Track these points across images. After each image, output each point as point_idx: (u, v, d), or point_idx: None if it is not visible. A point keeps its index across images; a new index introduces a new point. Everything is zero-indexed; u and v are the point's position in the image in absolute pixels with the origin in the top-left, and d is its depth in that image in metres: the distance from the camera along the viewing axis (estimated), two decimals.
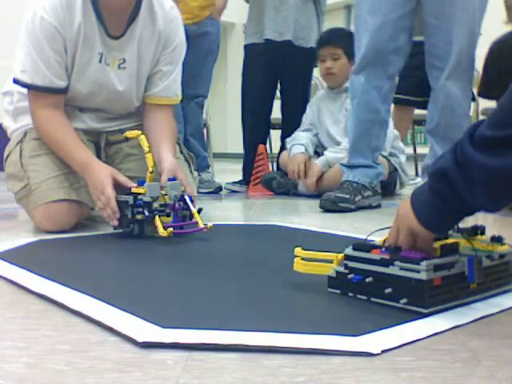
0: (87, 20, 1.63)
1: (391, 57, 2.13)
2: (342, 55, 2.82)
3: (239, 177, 3.22)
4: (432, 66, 2.09)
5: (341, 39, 2.85)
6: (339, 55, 2.82)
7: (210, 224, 1.49)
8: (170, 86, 1.82)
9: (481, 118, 3.83)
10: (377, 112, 2.20)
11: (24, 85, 1.65)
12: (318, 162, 2.71)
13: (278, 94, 3.28)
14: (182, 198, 1.50)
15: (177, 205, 1.48)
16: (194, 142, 3.12)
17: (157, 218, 1.45)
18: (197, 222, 1.49)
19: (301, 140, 2.85)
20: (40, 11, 1.58)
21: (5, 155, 1.77)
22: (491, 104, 2.86)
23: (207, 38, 3.09)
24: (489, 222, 1.94)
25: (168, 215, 1.49)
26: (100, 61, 1.69)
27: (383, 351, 0.69)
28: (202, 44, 3.03)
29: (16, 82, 1.66)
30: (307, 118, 2.97)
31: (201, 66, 3.08)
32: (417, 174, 3.94)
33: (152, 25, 1.72)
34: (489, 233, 0.99)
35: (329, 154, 2.71)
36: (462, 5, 1.98)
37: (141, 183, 1.50)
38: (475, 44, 2.06)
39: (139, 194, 1.48)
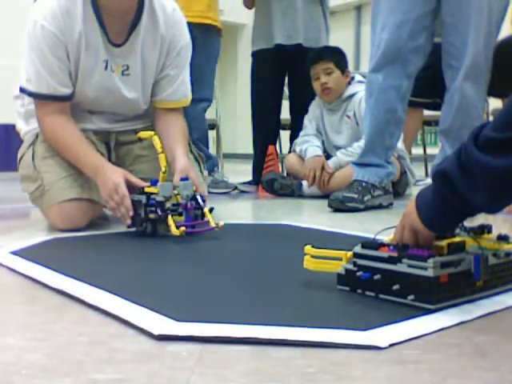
0: (89, 27, 1.64)
1: (411, 55, 2.13)
2: (335, 69, 2.82)
3: (249, 177, 3.24)
4: (448, 65, 2.09)
5: (331, 54, 2.87)
6: (332, 69, 2.82)
7: (221, 223, 1.52)
8: (179, 89, 1.84)
9: (491, 118, 3.84)
10: (394, 111, 2.20)
11: (29, 93, 1.68)
12: (331, 163, 2.73)
13: (286, 92, 3.29)
14: (194, 198, 1.53)
15: (189, 204, 1.51)
16: (200, 147, 3.14)
17: (169, 217, 1.48)
18: (208, 221, 1.52)
19: (315, 142, 2.86)
20: (40, 20, 1.60)
21: (18, 157, 1.81)
22: (501, 105, 2.87)
23: (208, 42, 3.09)
24: (495, 221, 1.95)
25: (180, 214, 1.51)
26: (106, 68, 1.70)
27: (391, 345, 0.71)
28: (204, 49, 3.03)
29: (22, 90, 1.69)
30: (311, 122, 2.96)
31: (205, 69, 3.08)
32: (427, 175, 3.95)
33: (154, 30, 1.73)
34: (495, 232, 1.01)
35: (340, 156, 2.72)
36: (478, 6, 1.99)
37: (154, 183, 1.53)
38: (492, 46, 2.06)
39: (152, 193, 1.51)
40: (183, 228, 1.45)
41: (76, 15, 1.62)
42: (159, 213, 1.48)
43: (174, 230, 1.45)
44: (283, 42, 3.02)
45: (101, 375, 0.63)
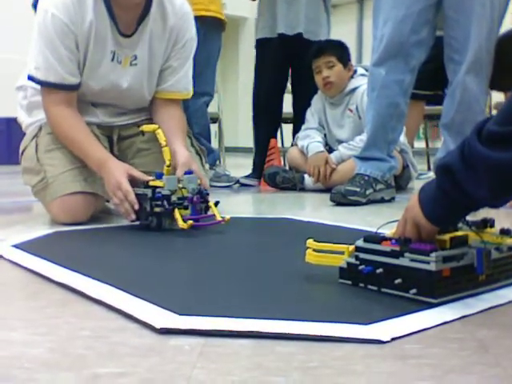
0: (99, 18, 1.65)
1: (413, 49, 2.12)
2: (337, 62, 2.82)
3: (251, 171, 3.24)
4: (450, 59, 2.09)
5: (333, 48, 2.86)
6: (334, 63, 2.81)
7: (227, 217, 1.52)
8: (180, 81, 1.85)
9: (494, 111, 3.83)
10: (396, 106, 2.20)
11: (38, 81, 1.68)
12: (333, 157, 2.72)
13: (289, 86, 3.28)
14: (199, 191, 1.53)
15: (195, 198, 1.50)
16: (202, 141, 3.13)
17: (176, 210, 1.48)
18: (214, 215, 1.52)
19: (316, 137, 2.85)
20: (51, 8, 1.61)
21: (20, 149, 1.80)
22: (503, 98, 2.86)
23: (208, 36, 3.08)
24: (498, 215, 1.94)
25: (186, 208, 1.51)
26: (112, 59, 1.71)
27: (393, 339, 0.71)
28: (204, 43, 3.01)
29: (30, 78, 1.69)
30: (314, 116, 2.95)
31: (205, 63, 3.07)
32: (429, 169, 3.95)
33: (163, 22, 1.75)
34: (498, 226, 1.00)
35: (343, 150, 2.72)
36: (481, 1, 1.99)
37: (158, 176, 1.52)
38: (494, 40, 2.06)
39: (157, 187, 1.50)
40: (191, 221, 1.45)
41: (87, 5, 1.63)
42: (166, 206, 1.48)
43: (181, 224, 1.45)
44: (285, 31, 3.02)
45: (103, 369, 0.63)
